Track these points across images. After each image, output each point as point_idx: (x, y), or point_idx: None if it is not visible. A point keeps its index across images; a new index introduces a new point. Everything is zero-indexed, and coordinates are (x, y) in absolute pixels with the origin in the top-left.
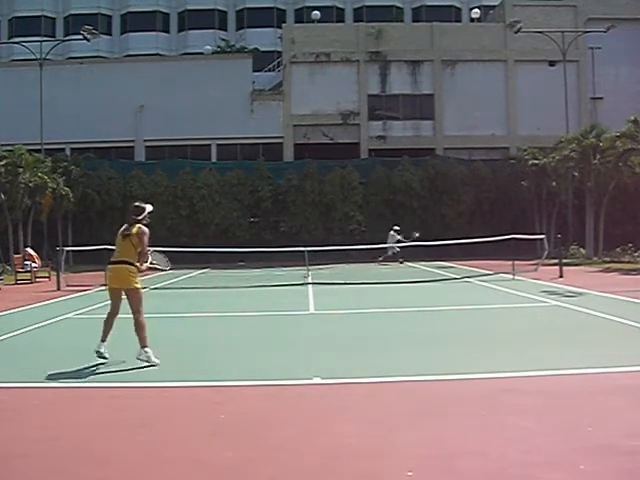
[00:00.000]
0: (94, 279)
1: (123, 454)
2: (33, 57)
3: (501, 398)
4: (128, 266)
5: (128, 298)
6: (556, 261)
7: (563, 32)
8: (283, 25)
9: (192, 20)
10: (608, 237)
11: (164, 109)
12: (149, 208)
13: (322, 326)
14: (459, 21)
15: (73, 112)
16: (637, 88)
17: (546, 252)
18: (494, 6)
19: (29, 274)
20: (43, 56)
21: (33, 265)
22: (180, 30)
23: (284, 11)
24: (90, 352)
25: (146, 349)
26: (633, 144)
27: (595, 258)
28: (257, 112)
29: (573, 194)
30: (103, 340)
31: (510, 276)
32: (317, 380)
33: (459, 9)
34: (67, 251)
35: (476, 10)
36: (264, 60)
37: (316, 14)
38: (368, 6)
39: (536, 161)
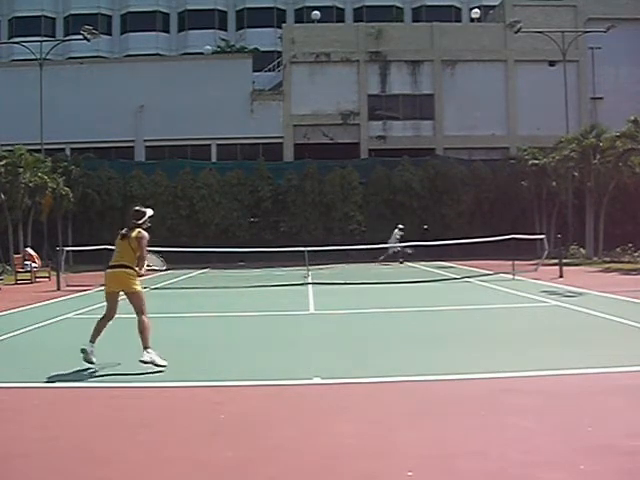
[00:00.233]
0: (94, 279)
1: (123, 454)
2: (33, 57)
3: (501, 398)
4: (127, 270)
5: (131, 301)
6: (556, 261)
7: (563, 32)
8: (283, 25)
9: (192, 20)
10: (608, 237)
11: (164, 109)
12: (149, 212)
13: (322, 326)
14: (459, 21)
15: (73, 112)
16: (637, 88)
17: (546, 252)
18: (494, 6)
19: (29, 274)
20: (43, 56)
21: (33, 265)
22: (180, 30)
23: (284, 11)
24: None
25: (149, 350)
26: (633, 144)
27: (595, 258)
28: (257, 112)
29: (573, 194)
30: (92, 341)
31: (510, 276)
32: (317, 380)
33: (459, 9)
34: (67, 251)
35: (476, 10)
36: (264, 60)
37: (316, 14)
38: (368, 6)
39: (536, 161)
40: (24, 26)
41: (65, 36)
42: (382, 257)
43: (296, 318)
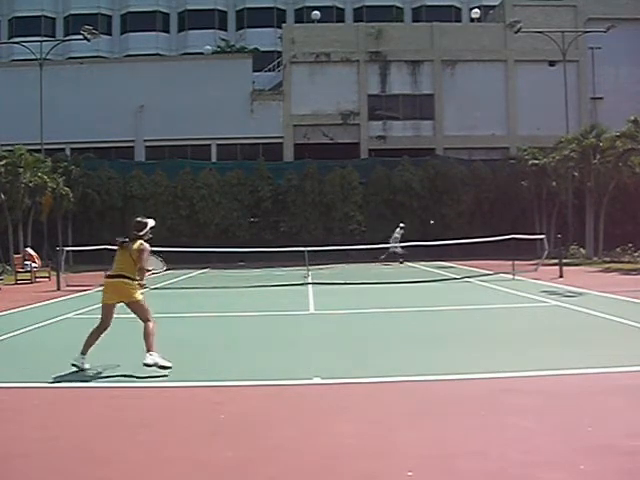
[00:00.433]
0: (94, 279)
1: (123, 454)
2: (33, 57)
3: (501, 398)
4: (126, 280)
5: (133, 311)
6: (556, 261)
7: (563, 32)
8: (283, 25)
9: (192, 20)
10: (608, 237)
11: (164, 109)
12: (151, 223)
13: (322, 326)
14: (459, 21)
15: (73, 112)
16: (637, 88)
17: (546, 252)
18: (494, 6)
19: (29, 274)
20: (43, 56)
21: (33, 265)
22: (180, 30)
23: (284, 11)
24: (89, 352)
25: (152, 352)
26: (633, 144)
27: (595, 258)
28: (257, 112)
29: (573, 194)
30: (83, 353)
31: (510, 276)
32: (317, 380)
33: (459, 9)
34: (67, 251)
35: (476, 10)
36: (264, 60)
37: (316, 14)
38: (368, 6)
39: (536, 161)
40: (24, 26)
41: (65, 36)
42: (383, 256)
43: (296, 318)
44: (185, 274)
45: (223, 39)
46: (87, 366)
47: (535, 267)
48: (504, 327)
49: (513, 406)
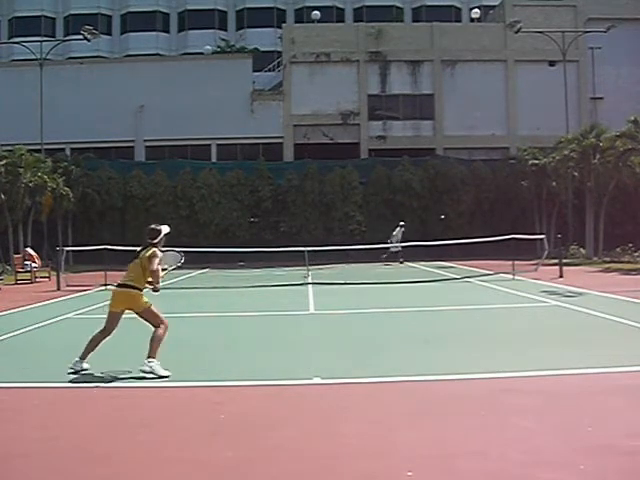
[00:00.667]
0: (94, 279)
1: (123, 454)
2: (33, 57)
3: (501, 398)
4: (133, 290)
5: (144, 318)
6: (556, 261)
7: (563, 32)
8: (283, 25)
9: (192, 20)
10: (608, 237)
11: (164, 109)
12: (165, 230)
13: (322, 326)
14: (459, 21)
15: (73, 112)
16: (637, 88)
17: (546, 252)
18: (494, 6)
19: (29, 274)
20: (43, 56)
21: (33, 265)
22: (180, 30)
23: (284, 11)
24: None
25: (151, 359)
26: (633, 144)
27: (595, 258)
28: (257, 112)
29: (573, 194)
30: (82, 358)
31: (510, 276)
32: (317, 380)
33: (459, 9)
34: (67, 251)
35: (476, 10)
36: (264, 60)
37: (316, 14)
38: (368, 6)
39: (536, 161)
40: (24, 26)
41: (65, 36)
42: (385, 255)
43: (296, 318)
44: (185, 274)
45: (223, 39)
46: (86, 366)
47: (535, 267)
48: (504, 327)
49: (513, 406)
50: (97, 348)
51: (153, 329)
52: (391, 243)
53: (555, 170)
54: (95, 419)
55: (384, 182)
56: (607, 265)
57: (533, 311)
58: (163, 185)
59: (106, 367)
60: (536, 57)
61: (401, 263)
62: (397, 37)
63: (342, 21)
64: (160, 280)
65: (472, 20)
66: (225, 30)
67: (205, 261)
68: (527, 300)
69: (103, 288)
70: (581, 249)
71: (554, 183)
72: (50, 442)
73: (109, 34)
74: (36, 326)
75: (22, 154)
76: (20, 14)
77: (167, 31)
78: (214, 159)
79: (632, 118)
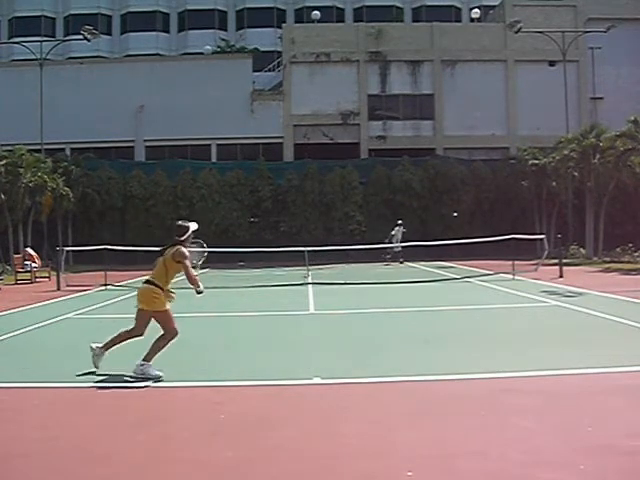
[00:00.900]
0: (94, 279)
1: (123, 454)
2: (33, 57)
3: (501, 398)
4: (152, 287)
5: (156, 320)
6: (556, 261)
7: (563, 32)
8: (283, 25)
9: (192, 20)
10: (608, 237)
11: (164, 109)
12: (193, 227)
13: (322, 326)
14: (459, 21)
15: (73, 112)
16: (637, 88)
17: (546, 252)
18: (494, 6)
19: (29, 274)
20: (43, 56)
21: (33, 265)
22: (180, 30)
23: (284, 11)
24: (90, 352)
25: (143, 362)
26: (633, 144)
27: (595, 258)
28: (257, 112)
29: (573, 194)
30: (104, 348)
31: (510, 276)
32: (317, 380)
33: (459, 9)
34: (67, 251)
35: (476, 10)
36: (264, 60)
37: (316, 14)
38: (368, 6)
39: (536, 161)
40: (24, 26)
41: (65, 36)
42: (388, 256)
43: (296, 318)
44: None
45: (223, 39)
46: (99, 364)
47: (535, 267)
48: (504, 327)
49: (513, 406)
50: (118, 348)
51: (162, 334)
52: (390, 243)
53: (555, 170)
54: (95, 419)
55: (384, 182)
56: (607, 265)
57: (533, 311)
58: (163, 185)
59: (106, 367)
60: (536, 57)
61: (401, 263)
62: (397, 37)
63: (342, 21)
64: (198, 279)
65: (472, 20)
66: (225, 30)
67: (205, 261)
68: (527, 300)
69: (103, 288)
70: (581, 249)
71: (554, 183)
72: (50, 442)
73: (109, 34)
74: (36, 326)
75: (22, 154)
76: (20, 14)
77: (167, 31)
78: (214, 159)
79: (632, 118)
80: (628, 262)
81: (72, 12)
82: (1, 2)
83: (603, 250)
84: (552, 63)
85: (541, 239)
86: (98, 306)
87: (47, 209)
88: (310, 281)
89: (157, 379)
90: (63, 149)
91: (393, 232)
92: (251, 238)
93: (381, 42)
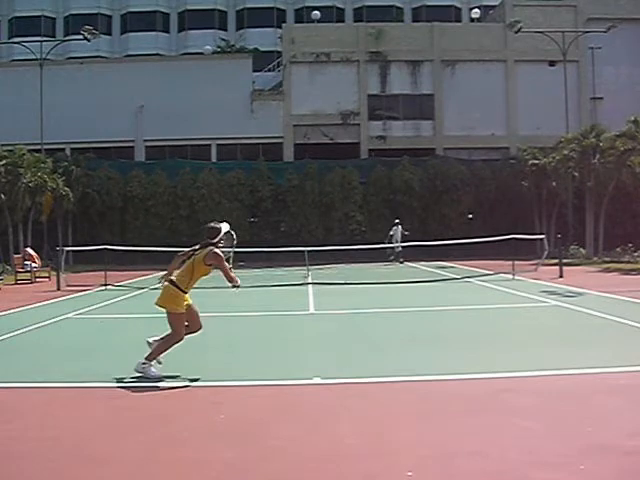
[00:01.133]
0: (94, 279)
1: (123, 454)
2: (33, 57)
3: (501, 398)
4: (174, 288)
5: (168, 321)
6: (556, 261)
7: (563, 32)
8: (283, 25)
9: (192, 20)
10: (608, 237)
11: (164, 109)
12: (225, 228)
13: (322, 326)
14: (459, 21)
15: (73, 112)
16: (637, 88)
17: (546, 252)
18: (494, 6)
19: (29, 274)
20: (43, 56)
21: (33, 265)
22: (180, 30)
23: (284, 11)
24: (90, 352)
25: (144, 362)
26: (633, 144)
27: (595, 258)
28: (257, 112)
29: (573, 194)
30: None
31: (510, 276)
32: (317, 380)
33: (459, 9)
34: (67, 251)
35: (476, 10)
36: (264, 60)
37: (316, 14)
38: (368, 6)
39: (536, 161)
40: (24, 26)
41: (65, 36)
42: (392, 257)
43: (296, 318)
44: None
45: (223, 39)
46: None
47: (535, 267)
48: (504, 327)
49: (513, 406)
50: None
51: (168, 333)
52: (390, 243)
53: (555, 170)
54: (95, 419)
55: (384, 182)
56: (607, 265)
57: (533, 311)
58: (163, 185)
59: (106, 367)
60: (536, 57)
61: (401, 263)
62: (397, 37)
63: (342, 21)
64: (234, 276)
65: (472, 20)
66: (225, 30)
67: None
68: (527, 300)
69: (103, 288)
70: (581, 249)
71: (554, 183)
72: (50, 442)
73: (109, 34)
74: (36, 326)
75: (23, 154)
76: (20, 14)
77: (167, 31)
78: (214, 159)
79: (632, 118)
80: (628, 262)
81: (72, 12)
82: (1, 2)
83: (603, 250)
84: (552, 63)
85: (541, 239)
86: (98, 306)
87: (47, 209)
88: (310, 281)
89: (157, 380)
90: (63, 149)
91: (391, 232)
92: (251, 238)
93: (381, 42)
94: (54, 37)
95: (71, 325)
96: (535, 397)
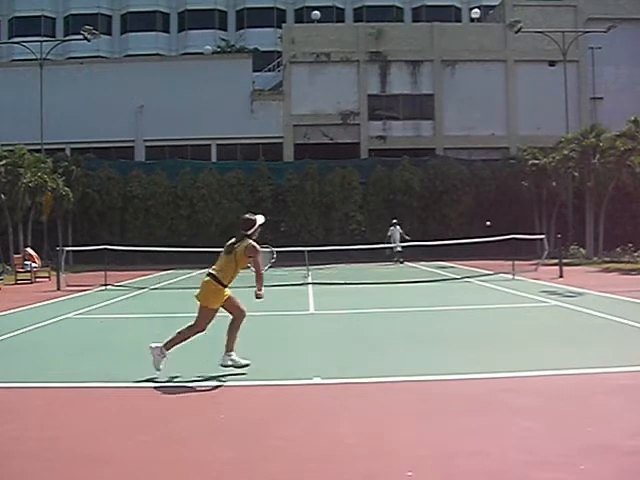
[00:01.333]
0: (94, 279)
1: (123, 454)
2: (33, 57)
3: (501, 398)
4: (215, 283)
5: (198, 313)
6: (556, 261)
7: (563, 32)
8: (283, 25)
9: (192, 20)
10: (608, 237)
11: (164, 109)
12: (260, 220)
13: (322, 326)
14: (459, 21)
15: (73, 112)
16: (637, 88)
17: (546, 252)
18: (494, 6)
19: (29, 274)
20: (43, 56)
21: (33, 265)
22: (180, 30)
23: (284, 11)
24: (90, 352)
25: (156, 347)
26: (633, 144)
27: (595, 258)
28: (257, 112)
29: (573, 194)
30: (230, 350)
31: (510, 276)
32: (317, 380)
33: (459, 9)
34: (67, 251)
35: (476, 10)
36: (264, 60)
37: (316, 14)
38: (368, 6)
39: (536, 161)
40: (24, 26)
41: (65, 36)
42: (395, 258)
43: (296, 318)
44: (185, 274)
45: (223, 39)
46: (244, 361)
47: (535, 267)
48: (504, 327)
49: (513, 406)
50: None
51: (189, 323)
52: (389, 244)
53: (555, 170)
54: (95, 419)
55: (384, 182)
56: (607, 265)
57: (533, 311)
58: (163, 185)
59: (106, 367)
60: (536, 57)
61: (401, 263)
62: (397, 37)
63: (342, 21)
64: (262, 289)
65: (472, 20)
66: (225, 30)
67: (205, 261)
68: (527, 300)
69: (103, 288)
70: (581, 249)
71: (554, 183)
72: (49, 442)
73: (109, 34)
74: (36, 326)
75: (23, 154)
76: (20, 14)
77: (167, 31)
78: (214, 159)
79: (632, 118)
80: (628, 262)
81: (72, 12)
82: (1, 2)
83: (603, 250)
84: (552, 63)
85: (541, 239)
86: (98, 306)
87: (47, 209)
88: (310, 281)
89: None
90: (63, 149)
91: (389, 233)
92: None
93: (381, 42)
94: (54, 37)
95: (71, 325)
96: (535, 397)
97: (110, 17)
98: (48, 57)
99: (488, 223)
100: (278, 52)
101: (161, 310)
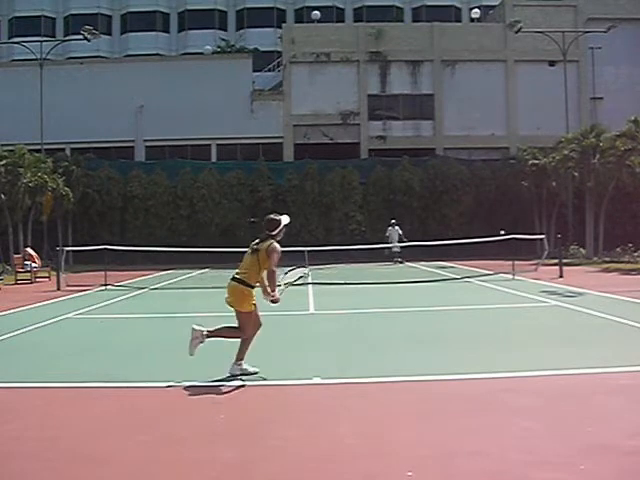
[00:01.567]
0: (94, 279)
1: (123, 454)
2: (33, 57)
3: (501, 398)
4: (242, 286)
5: (237, 317)
6: (556, 261)
7: (563, 32)
8: (283, 25)
9: (192, 20)
10: (608, 237)
11: (164, 109)
12: (285, 221)
13: (322, 326)
14: (459, 21)
15: (73, 112)
16: (637, 88)
17: (546, 252)
18: (494, 6)
19: (29, 274)
20: (43, 56)
21: (33, 265)
22: (180, 30)
23: (284, 11)
24: (90, 352)
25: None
26: (633, 144)
27: (595, 258)
28: (257, 112)
29: (573, 194)
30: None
31: (510, 276)
32: (317, 380)
33: (459, 9)
34: (67, 251)
35: (476, 10)
36: (264, 60)
37: (316, 14)
38: (368, 6)
39: (536, 161)
40: (24, 26)
41: (65, 36)
42: (397, 258)
43: (296, 318)
44: (185, 274)
45: (223, 39)
46: (252, 369)
47: (535, 267)
48: (504, 327)
49: (513, 406)
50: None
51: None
52: (388, 243)
53: (555, 170)
54: (95, 419)
55: (384, 182)
56: (607, 265)
57: (533, 311)
58: (163, 185)
59: (106, 367)
60: (536, 57)
61: (401, 263)
62: (397, 37)
63: (342, 21)
64: (277, 287)
65: (472, 20)
66: (225, 30)
67: (205, 261)
68: (527, 300)
69: (103, 288)
70: (581, 249)
71: (554, 183)
72: (49, 442)
73: (109, 34)
74: (36, 326)
75: (23, 154)
76: (20, 14)
77: (167, 31)
78: (214, 159)
79: (632, 118)
80: (628, 262)
81: (72, 12)
82: (1, 2)
83: (603, 250)
84: (552, 63)
85: (541, 239)
86: (98, 306)
87: (47, 209)
88: (310, 281)
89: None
90: (63, 149)
91: (387, 233)
92: (251, 238)
93: (381, 42)
94: (54, 37)
95: (71, 325)
96: (535, 397)
97: (110, 17)
98: (48, 57)
99: (502, 232)
100: (278, 52)
101: (161, 310)
